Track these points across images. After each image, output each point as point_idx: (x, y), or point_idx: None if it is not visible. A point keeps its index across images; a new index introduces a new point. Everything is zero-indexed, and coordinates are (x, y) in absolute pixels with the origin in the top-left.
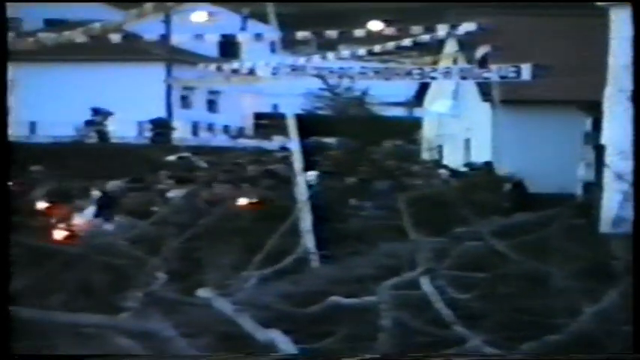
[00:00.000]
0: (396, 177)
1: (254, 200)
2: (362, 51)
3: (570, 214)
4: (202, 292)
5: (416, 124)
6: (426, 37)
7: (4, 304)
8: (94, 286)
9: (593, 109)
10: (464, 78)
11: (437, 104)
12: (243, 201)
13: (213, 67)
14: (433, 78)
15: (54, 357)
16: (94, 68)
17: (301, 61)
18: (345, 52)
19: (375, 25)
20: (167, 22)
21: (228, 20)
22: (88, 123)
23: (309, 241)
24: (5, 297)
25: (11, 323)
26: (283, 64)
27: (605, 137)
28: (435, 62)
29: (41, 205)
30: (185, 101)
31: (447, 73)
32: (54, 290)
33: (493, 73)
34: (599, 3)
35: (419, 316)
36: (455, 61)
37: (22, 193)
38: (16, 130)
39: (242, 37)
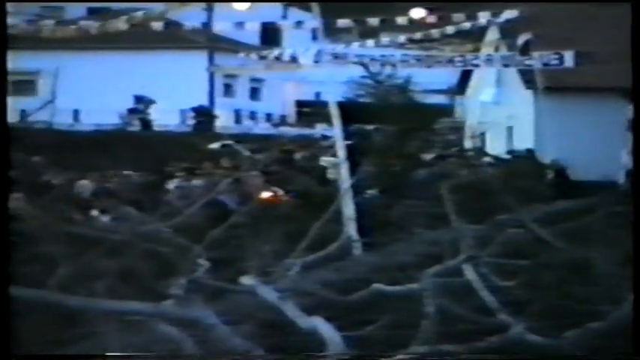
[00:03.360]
0: (438, 164)
1: (271, 194)
2: (404, 38)
3: (613, 201)
4: (246, 280)
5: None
6: (467, 25)
7: (4, 303)
8: (138, 274)
9: (636, 95)
10: (506, 65)
11: (479, 92)
12: (264, 194)
13: (255, 55)
14: (475, 65)
15: (54, 357)
16: (136, 56)
17: (343, 48)
18: (386, 39)
19: (417, 13)
20: (209, 10)
21: (270, 8)
22: (131, 111)
23: (351, 228)
24: (5, 297)
25: (11, 323)
26: (325, 52)
27: None
28: (477, 50)
29: None
30: (227, 89)
31: (488, 61)
32: (99, 277)
33: (535, 60)
34: None
35: (462, 303)
36: (497, 49)
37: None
38: (59, 118)
39: (283, 25)
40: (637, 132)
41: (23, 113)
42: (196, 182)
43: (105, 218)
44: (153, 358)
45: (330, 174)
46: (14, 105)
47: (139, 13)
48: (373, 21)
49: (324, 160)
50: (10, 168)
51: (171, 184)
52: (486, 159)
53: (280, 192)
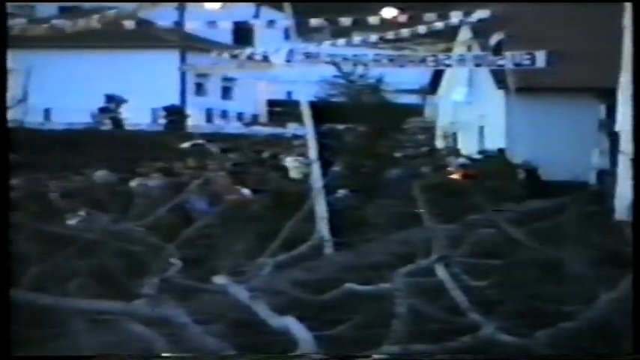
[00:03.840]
0: (411, 165)
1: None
2: (376, 38)
3: (584, 201)
4: (218, 279)
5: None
6: (439, 25)
7: (4, 303)
8: (109, 273)
9: (608, 96)
10: (478, 65)
11: (451, 92)
12: (231, 195)
13: (227, 54)
14: (447, 65)
15: (54, 357)
16: (108, 55)
17: (315, 48)
18: (358, 39)
19: (389, 12)
20: (181, 9)
21: (242, 7)
22: (103, 110)
23: (323, 228)
24: (5, 296)
25: (10, 323)
26: (297, 51)
27: (620, 124)
28: (449, 49)
29: None
30: (199, 88)
31: (461, 61)
32: (70, 277)
33: (507, 60)
34: None
35: (434, 303)
36: (469, 49)
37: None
38: (31, 117)
39: (256, 24)
40: (637, 133)
41: None
42: (157, 182)
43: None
44: (151, 358)
45: (294, 173)
46: None
47: (111, 12)
48: (345, 20)
49: (289, 161)
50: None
51: (134, 183)
52: (459, 159)
53: (247, 192)
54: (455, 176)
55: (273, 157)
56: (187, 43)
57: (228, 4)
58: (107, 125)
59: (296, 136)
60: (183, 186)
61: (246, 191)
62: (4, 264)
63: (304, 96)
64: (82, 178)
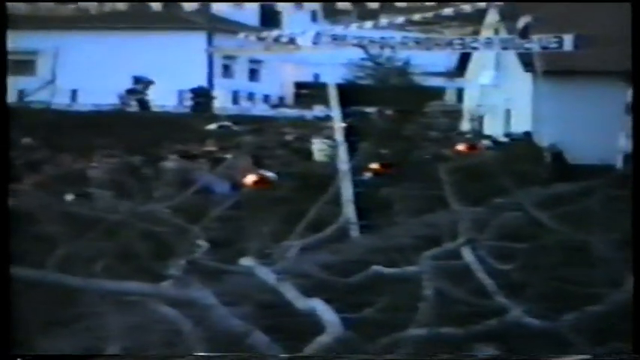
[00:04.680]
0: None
1: (259, 178)
2: (403, 21)
3: (611, 184)
4: (244, 261)
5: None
6: (467, 7)
7: (4, 303)
8: (136, 254)
9: (635, 79)
10: (505, 48)
11: (479, 75)
12: (250, 179)
13: (254, 36)
14: (474, 48)
15: (54, 357)
16: (135, 37)
17: (342, 30)
18: (385, 21)
19: None
20: None
21: None
22: (130, 91)
23: (349, 211)
24: (5, 297)
25: (11, 322)
26: (324, 34)
27: None
28: (476, 32)
29: None
30: (226, 70)
31: (488, 44)
32: (97, 258)
33: (534, 43)
34: None
35: (460, 286)
36: (496, 32)
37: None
38: (59, 98)
39: (283, 7)
40: (637, 134)
41: (21, 93)
42: (178, 164)
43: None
44: (152, 358)
45: (319, 156)
46: (13, 85)
47: None
48: (373, 3)
49: (316, 142)
50: (9, 148)
51: (165, 165)
52: (485, 142)
53: (270, 174)
54: (460, 148)
55: (299, 139)
56: (214, 25)
57: None
58: (134, 107)
59: (323, 119)
60: (205, 168)
61: (269, 174)
62: (4, 264)
63: (331, 78)
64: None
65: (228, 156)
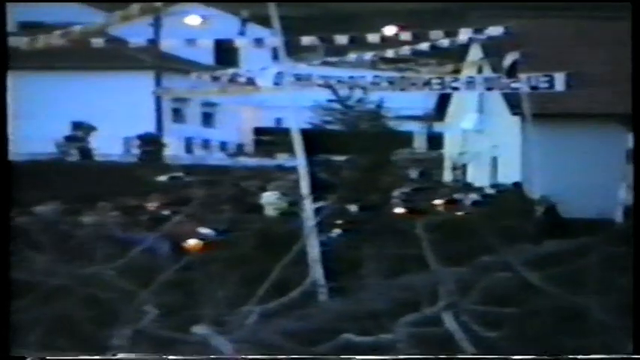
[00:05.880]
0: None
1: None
2: (375, 58)
3: (610, 241)
4: (198, 329)
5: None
6: (446, 42)
7: (4, 304)
8: (77, 322)
9: (636, 123)
10: (490, 89)
11: (460, 118)
12: (192, 243)
13: (208, 76)
14: (455, 89)
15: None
16: (74, 77)
17: (307, 69)
18: (356, 59)
19: (390, 30)
20: (156, 25)
21: (225, 24)
22: (69, 139)
23: (316, 271)
24: (5, 297)
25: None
26: (287, 73)
27: None
28: (457, 71)
29: None
30: (177, 114)
31: (470, 84)
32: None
33: (523, 83)
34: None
35: (440, 356)
36: (479, 70)
37: None
38: None
39: (240, 43)
40: (637, 137)
41: None
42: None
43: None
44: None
45: (269, 211)
46: None
47: (77, 28)
48: (341, 38)
49: (265, 196)
50: None
51: (89, 219)
52: (470, 195)
53: (209, 233)
54: (437, 203)
55: (260, 191)
56: (163, 64)
57: (209, 20)
58: (74, 156)
59: (286, 169)
60: (147, 225)
61: (207, 231)
62: (4, 265)
63: (295, 123)
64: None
65: (176, 211)
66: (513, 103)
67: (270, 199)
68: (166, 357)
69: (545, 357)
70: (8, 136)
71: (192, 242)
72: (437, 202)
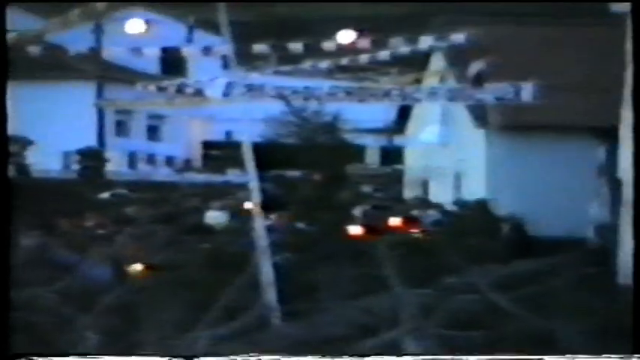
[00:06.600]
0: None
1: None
2: (332, 67)
3: (581, 261)
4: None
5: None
6: (407, 50)
7: (4, 304)
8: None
9: (608, 135)
10: (453, 99)
11: (422, 131)
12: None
13: (153, 86)
14: (416, 100)
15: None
16: (9, 88)
17: (259, 79)
18: (311, 68)
19: (347, 36)
20: (98, 32)
21: (172, 30)
22: None
23: (269, 294)
24: (5, 298)
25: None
26: (238, 83)
27: (623, 170)
28: (419, 81)
29: None
30: (120, 127)
31: (432, 94)
32: None
33: (488, 93)
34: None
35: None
36: (442, 80)
37: None
38: None
39: (188, 51)
40: (637, 139)
41: None
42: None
43: None
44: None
45: (218, 230)
46: None
47: (12, 35)
48: (295, 46)
49: (209, 214)
50: None
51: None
52: (431, 212)
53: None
54: (394, 223)
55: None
56: (106, 73)
57: (154, 26)
58: (9, 172)
59: (236, 185)
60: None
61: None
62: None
63: (246, 137)
64: None
65: (117, 231)
66: (478, 115)
67: (219, 218)
68: (172, 357)
69: (545, 357)
70: None
71: (135, 266)
72: (394, 220)
